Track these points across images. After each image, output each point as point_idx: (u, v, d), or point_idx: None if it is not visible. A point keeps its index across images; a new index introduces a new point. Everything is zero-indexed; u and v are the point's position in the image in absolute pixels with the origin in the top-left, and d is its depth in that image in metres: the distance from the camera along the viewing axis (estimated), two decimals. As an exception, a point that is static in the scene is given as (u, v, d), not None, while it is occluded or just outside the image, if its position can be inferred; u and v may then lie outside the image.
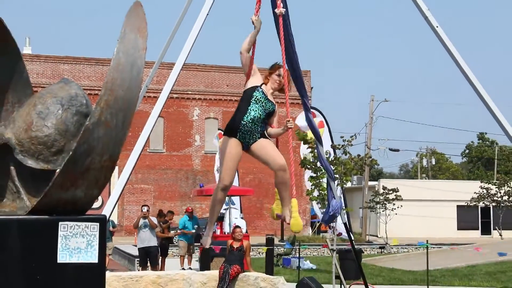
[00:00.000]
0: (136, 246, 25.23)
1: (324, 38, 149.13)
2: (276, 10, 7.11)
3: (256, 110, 5.92)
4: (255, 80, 6.11)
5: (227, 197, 26.16)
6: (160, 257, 17.94)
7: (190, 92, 41.17)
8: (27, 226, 3.79)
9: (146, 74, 10.71)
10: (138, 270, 19.15)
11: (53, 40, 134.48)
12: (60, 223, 3.85)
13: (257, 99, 5.95)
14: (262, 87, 6.05)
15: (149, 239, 16.81)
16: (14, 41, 4.17)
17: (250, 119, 5.89)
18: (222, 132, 6.25)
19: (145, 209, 17.18)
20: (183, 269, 17.53)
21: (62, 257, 3.82)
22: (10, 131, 4.06)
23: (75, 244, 3.86)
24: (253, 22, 6.41)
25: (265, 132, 6.11)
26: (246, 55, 6.15)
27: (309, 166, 16.70)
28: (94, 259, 3.89)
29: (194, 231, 19.43)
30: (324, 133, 14.52)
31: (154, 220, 17.17)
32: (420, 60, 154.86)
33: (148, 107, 31.85)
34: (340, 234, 16.88)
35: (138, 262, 18.53)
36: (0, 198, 4.07)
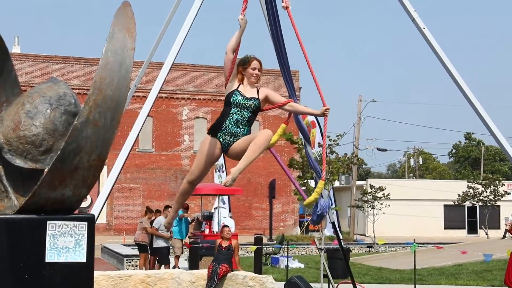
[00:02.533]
0: (125, 245, 25.17)
1: (312, 39, 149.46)
2: (282, 4, 7.22)
3: (237, 113, 5.91)
4: (232, 84, 6.07)
5: (216, 197, 26.13)
6: (152, 257, 17.98)
7: (179, 92, 41.12)
8: (15, 226, 3.77)
9: (135, 73, 10.71)
10: (127, 269, 19.10)
11: (42, 39, 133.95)
12: (48, 222, 3.83)
13: (236, 103, 5.92)
14: (239, 88, 6.01)
15: (163, 240, 17.14)
16: (2, 40, 4.15)
17: (233, 122, 5.88)
18: None
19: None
20: (179, 267, 17.55)
21: (50, 256, 3.80)
22: (-2, 130, 4.04)
23: (63, 243, 3.84)
24: (239, 21, 6.42)
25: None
26: (229, 55, 6.11)
27: (297, 166, 16.73)
28: (83, 258, 3.88)
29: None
30: (316, 133, 14.56)
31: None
32: (407, 61, 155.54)
33: (137, 106, 31.75)
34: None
35: (128, 261, 18.48)
36: (-12, 198, 4.05)
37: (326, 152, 6.82)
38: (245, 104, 5.93)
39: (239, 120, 5.90)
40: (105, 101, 3.76)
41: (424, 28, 9.35)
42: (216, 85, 42.04)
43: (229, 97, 5.99)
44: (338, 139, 18.73)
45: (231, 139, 5.86)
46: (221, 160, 28.27)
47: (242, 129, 5.90)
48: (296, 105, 6.28)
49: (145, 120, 8.92)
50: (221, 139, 5.88)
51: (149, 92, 9.02)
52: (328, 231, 15.60)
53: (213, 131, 5.94)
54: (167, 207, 17.97)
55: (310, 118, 14.19)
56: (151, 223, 18.00)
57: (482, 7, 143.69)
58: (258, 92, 6.06)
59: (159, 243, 17.28)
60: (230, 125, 5.87)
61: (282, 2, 7.25)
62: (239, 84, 6.06)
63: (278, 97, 6.20)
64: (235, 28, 6.34)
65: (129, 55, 3.88)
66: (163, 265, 17.23)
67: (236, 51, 6.17)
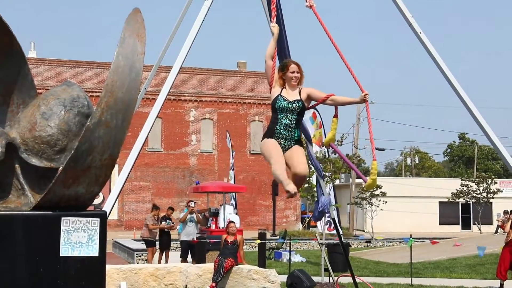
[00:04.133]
0: (135, 240, 25.19)
1: (312, 42, 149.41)
2: (306, 4, 7.17)
3: (285, 118, 5.88)
4: (276, 90, 6.03)
5: (222, 194, 26.13)
6: (165, 251, 17.96)
7: (186, 94, 41.14)
8: (31, 221, 3.78)
9: (144, 77, 10.70)
10: (137, 263, 19.11)
11: (57, 44, 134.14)
12: (62, 218, 3.83)
13: (281, 108, 5.90)
14: (282, 93, 5.97)
15: (193, 233, 17.13)
16: (19, 45, 4.16)
17: (283, 127, 5.87)
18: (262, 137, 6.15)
19: (192, 204, 17.47)
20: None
21: (65, 251, 3.80)
22: (15, 131, 4.04)
23: (77, 238, 3.84)
24: (271, 29, 6.41)
25: (301, 138, 6.02)
26: (269, 63, 6.11)
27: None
28: (95, 253, 3.88)
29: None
30: (323, 133, 14.57)
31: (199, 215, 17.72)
32: (404, 64, 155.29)
33: (147, 108, 31.78)
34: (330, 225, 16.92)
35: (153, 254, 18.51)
36: (6, 195, 4.05)
37: (372, 134, 6.76)
38: (289, 107, 5.90)
39: (288, 124, 5.87)
40: (116, 103, 3.75)
41: (420, 33, 9.32)
42: (221, 88, 42.06)
43: (274, 103, 5.96)
44: (342, 139, 18.68)
45: (286, 143, 5.85)
46: (231, 159, 28.31)
47: (292, 132, 5.87)
48: (337, 98, 6.14)
49: (154, 121, 8.92)
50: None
51: (158, 95, 9.02)
52: (320, 228, 15.53)
53: (270, 135, 5.91)
54: (190, 201, 18.21)
55: (318, 119, 14.16)
56: (160, 220, 17.99)
57: (475, 11, 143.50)
58: (300, 93, 6.02)
59: (181, 237, 17.42)
60: (281, 130, 5.86)
61: (306, 1, 7.19)
62: (282, 89, 6.02)
63: (319, 93, 6.11)
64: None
65: (139, 59, 3.88)
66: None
67: (274, 57, 6.15)
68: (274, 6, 6.82)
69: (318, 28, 7.08)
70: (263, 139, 5.99)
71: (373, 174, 6.23)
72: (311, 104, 6.22)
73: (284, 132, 5.85)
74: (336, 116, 6.46)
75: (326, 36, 7.06)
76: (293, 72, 6.01)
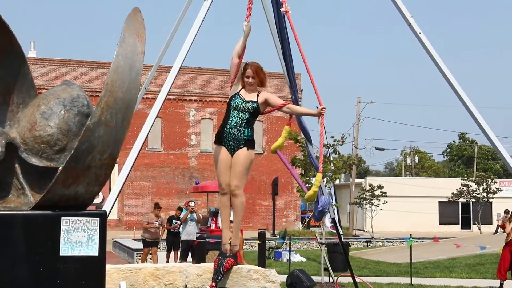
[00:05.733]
0: (135, 239, 25.20)
1: (313, 42, 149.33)
2: (282, 9, 7.25)
3: (236, 116, 5.97)
4: (235, 88, 6.14)
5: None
6: (173, 251, 17.98)
7: (186, 94, 41.14)
8: (31, 221, 3.78)
9: (144, 76, 10.70)
10: (137, 263, 19.11)
11: (56, 44, 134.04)
12: (62, 218, 3.83)
13: (235, 105, 5.99)
14: (240, 92, 6.06)
15: (194, 233, 17.10)
16: (19, 45, 4.15)
17: (233, 125, 5.95)
18: None
19: (192, 203, 17.47)
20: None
21: (64, 251, 3.80)
22: (15, 131, 4.04)
23: (77, 238, 3.84)
24: (243, 28, 6.45)
25: (253, 138, 6.08)
26: (234, 60, 6.17)
27: (299, 165, 16.70)
28: (95, 252, 3.88)
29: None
30: (323, 133, 14.55)
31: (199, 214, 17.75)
32: (404, 64, 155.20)
33: (146, 108, 31.77)
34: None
35: (142, 252, 18.48)
36: (6, 195, 4.05)
37: (322, 149, 6.97)
38: (243, 106, 5.97)
39: (238, 123, 5.95)
40: (116, 103, 3.75)
41: (420, 33, 9.32)
42: (221, 87, 42.06)
43: (230, 100, 6.07)
44: (344, 138, 18.64)
45: (234, 144, 5.94)
46: None
47: (242, 131, 5.94)
48: (294, 107, 6.32)
49: (154, 120, 8.91)
50: (226, 146, 5.98)
51: (158, 94, 9.01)
52: (327, 223, 15.58)
53: (219, 139, 6.03)
54: (190, 200, 18.16)
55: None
56: (168, 220, 18.01)
57: (475, 11, 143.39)
58: (258, 96, 6.08)
59: (182, 237, 17.45)
60: (231, 129, 5.94)
61: (282, 6, 7.29)
62: (241, 88, 6.10)
63: (276, 100, 6.21)
64: (240, 33, 6.34)
65: (139, 58, 3.88)
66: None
67: (241, 56, 6.19)
68: (250, 5, 6.88)
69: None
70: (215, 141, 6.13)
71: (315, 186, 6.34)
72: (267, 109, 6.28)
73: (233, 131, 5.93)
74: (289, 124, 6.56)
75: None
76: (248, 77, 6.08)
